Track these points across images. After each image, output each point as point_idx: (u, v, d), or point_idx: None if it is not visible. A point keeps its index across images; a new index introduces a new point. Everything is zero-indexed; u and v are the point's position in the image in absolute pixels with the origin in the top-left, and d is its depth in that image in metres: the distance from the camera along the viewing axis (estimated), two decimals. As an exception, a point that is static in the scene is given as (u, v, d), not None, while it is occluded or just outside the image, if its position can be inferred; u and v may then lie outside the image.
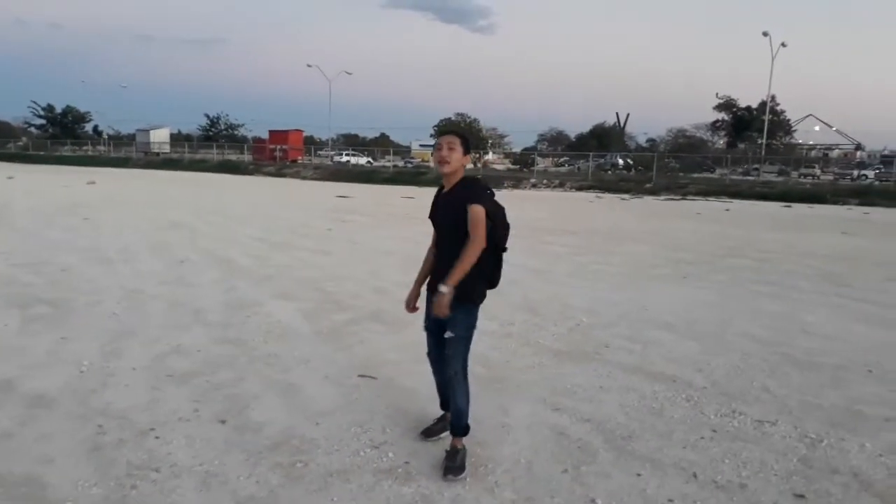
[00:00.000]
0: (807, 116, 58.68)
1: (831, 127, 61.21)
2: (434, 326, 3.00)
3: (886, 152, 42.90)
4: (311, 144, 52.83)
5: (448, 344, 2.89)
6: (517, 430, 3.32)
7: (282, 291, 6.38)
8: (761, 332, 5.30)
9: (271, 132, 48.87)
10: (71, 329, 4.91)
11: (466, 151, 2.89)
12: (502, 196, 3.58)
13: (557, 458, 3.03)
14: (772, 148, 44.91)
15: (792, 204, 22.69)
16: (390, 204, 18.53)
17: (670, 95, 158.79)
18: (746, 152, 44.01)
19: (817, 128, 61.22)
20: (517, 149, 54.81)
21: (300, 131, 49.67)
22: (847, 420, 3.55)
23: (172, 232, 10.70)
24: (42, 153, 52.62)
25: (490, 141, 51.10)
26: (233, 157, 48.68)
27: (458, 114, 49.43)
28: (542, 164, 43.41)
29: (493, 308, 5.04)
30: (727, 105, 50.46)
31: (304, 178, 35.37)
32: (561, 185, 30.03)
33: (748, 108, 49.35)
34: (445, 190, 2.95)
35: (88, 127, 68.44)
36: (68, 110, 64.22)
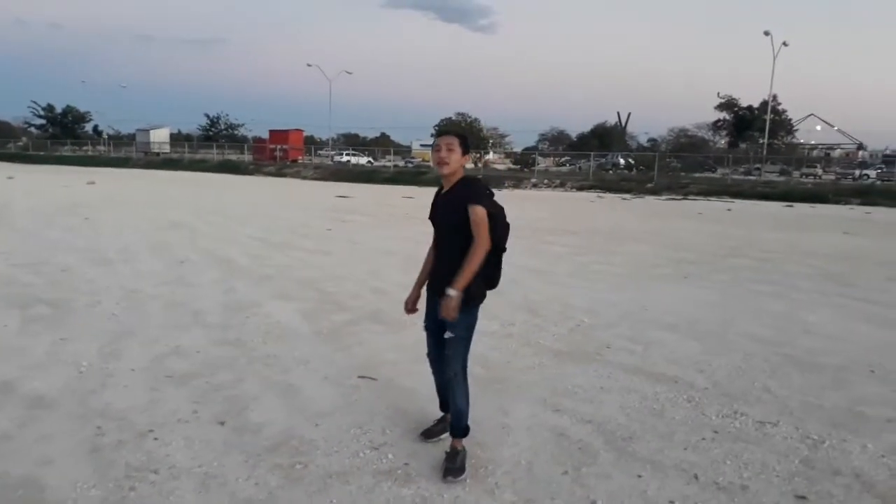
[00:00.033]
0: (808, 116, 58.79)
1: (833, 127, 61.34)
2: (434, 326, 2.99)
3: (888, 152, 42.96)
4: (312, 144, 52.79)
5: (448, 344, 2.88)
6: (517, 432, 3.31)
7: (281, 292, 6.37)
8: (763, 332, 5.28)
9: (271, 132, 48.87)
10: (70, 329, 4.90)
11: (465, 152, 2.87)
12: (503, 196, 3.57)
13: (558, 460, 3.02)
14: (773, 147, 44.84)
15: (794, 204, 22.66)
16: (390, 204, 18.52)
17: (671, 95, 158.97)
18: (748, 152, 43.99)
19: (819, 127, 61.32)
20: (518, 148, 54.82)
21: (300, 131, 49.65)
22: (849, 421, 3.53)
23: (172, 232, 10.70)
24: (42, 153, 52.65)
25: (491, 141, 50.94)
26: (233, 157, 48.63)
27: (458, 113, 49.21)
28: (543, 163, 43.40)
29: (493, 308, 5.03)
30: (728, 105, 50.48)
31: (304, 177, 35.37)
32: (562, 185, 30.02)
33: (749, 108, 49.34)
34: (445, 190, 2.94)
35: (88, 127, 68.60)
36: (68, 110, 64.26)
